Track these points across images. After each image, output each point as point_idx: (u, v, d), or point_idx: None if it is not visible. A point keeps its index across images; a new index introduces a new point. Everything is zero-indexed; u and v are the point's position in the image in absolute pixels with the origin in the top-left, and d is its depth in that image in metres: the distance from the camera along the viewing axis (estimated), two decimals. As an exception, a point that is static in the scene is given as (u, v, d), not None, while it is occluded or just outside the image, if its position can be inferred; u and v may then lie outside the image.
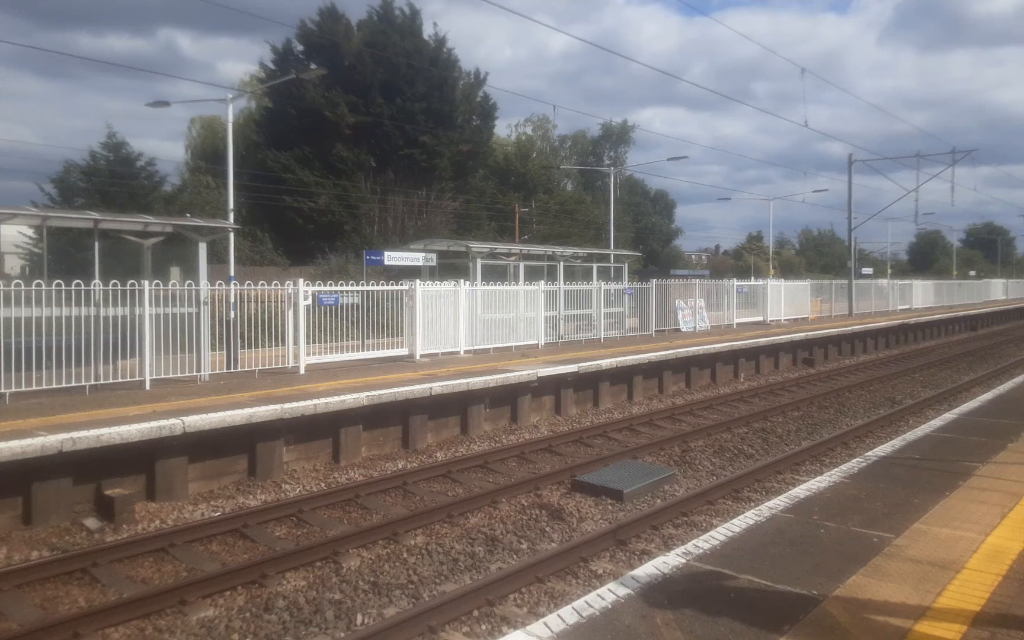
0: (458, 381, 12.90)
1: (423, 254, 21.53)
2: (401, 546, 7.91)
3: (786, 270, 76.99)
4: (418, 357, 15.95)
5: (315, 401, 10.78)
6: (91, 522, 8.50)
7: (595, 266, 25.17)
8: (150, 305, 12.00)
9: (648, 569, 4.95)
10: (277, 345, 14.22)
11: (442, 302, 16.63)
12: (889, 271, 67.54)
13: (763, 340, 22.06)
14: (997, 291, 57.29)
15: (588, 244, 46.61)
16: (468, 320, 17.19)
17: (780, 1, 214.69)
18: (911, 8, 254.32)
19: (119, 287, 11.75)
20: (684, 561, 5.07)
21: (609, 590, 4.62)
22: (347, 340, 15.60)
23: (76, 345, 11.28)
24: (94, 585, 6.95)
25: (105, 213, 15.52)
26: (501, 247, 24.14)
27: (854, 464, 7.83)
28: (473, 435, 13.18)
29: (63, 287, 11.17)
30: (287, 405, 10.47)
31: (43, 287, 11.13)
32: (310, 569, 7.32)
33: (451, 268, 22.15)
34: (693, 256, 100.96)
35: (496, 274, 20.77)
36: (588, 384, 15.97)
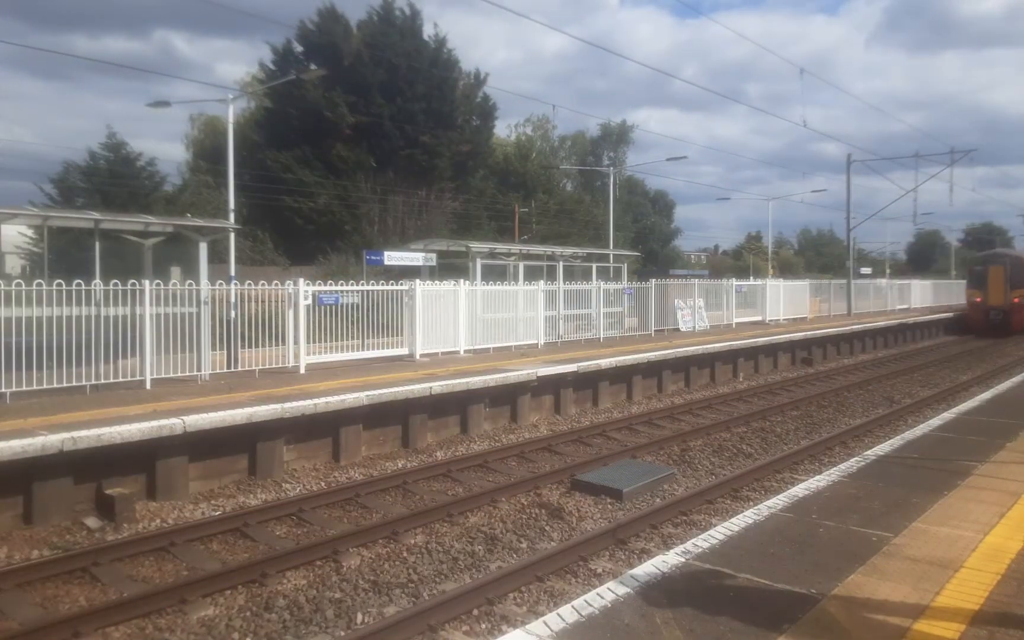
0: (458, 381, 12.91)
1: (423, 254, 21.55)
2: (401, 545, 7.92)
3: (785, 270, 76.95)
4: (418, 357, 15.96)
5: (315, 400, 10.79)
6: (92, 521, 8.52)
7: (594, 266, 25.18)
8: (151, 305, 12.02)
9: (647, 568, 4.96)
10: (277, 345, 14.22)
11: (442, 302, 16.65)
12: (888, 271, 67.51)
13: (762, 340, 22.08)
14: None
15: (588, 244, 46.52)
16: (468, 320, 17.21)
17: (770, 3, 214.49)
18: (899, 10, 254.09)
19: (120, 287, 11.76)
20: (683, 560, 5.09)
21: (609, 589, 4.63)
22: (347, 340, 15.60)
23: (76, 345, 11.28)
24: (95, 584, 6.96)
25: (106, 213, 15.54)
26: (501, 247, 24.14)
27: (853, 463, 7.84)
28: (473, 434, 13.20)
29: (64, 287, 11.18)
30: (287, 404, 10.48)
31: (44, 287, 11.14)
32: (310, 568, 7.33)
33: (451, 268, 22.16)
34: (692, 256, 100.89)
35: (496, 274, 20.77)
36: (587, 383, 15.99)
